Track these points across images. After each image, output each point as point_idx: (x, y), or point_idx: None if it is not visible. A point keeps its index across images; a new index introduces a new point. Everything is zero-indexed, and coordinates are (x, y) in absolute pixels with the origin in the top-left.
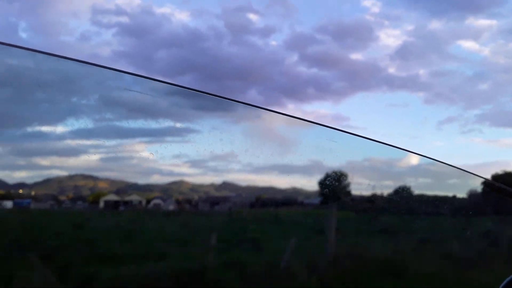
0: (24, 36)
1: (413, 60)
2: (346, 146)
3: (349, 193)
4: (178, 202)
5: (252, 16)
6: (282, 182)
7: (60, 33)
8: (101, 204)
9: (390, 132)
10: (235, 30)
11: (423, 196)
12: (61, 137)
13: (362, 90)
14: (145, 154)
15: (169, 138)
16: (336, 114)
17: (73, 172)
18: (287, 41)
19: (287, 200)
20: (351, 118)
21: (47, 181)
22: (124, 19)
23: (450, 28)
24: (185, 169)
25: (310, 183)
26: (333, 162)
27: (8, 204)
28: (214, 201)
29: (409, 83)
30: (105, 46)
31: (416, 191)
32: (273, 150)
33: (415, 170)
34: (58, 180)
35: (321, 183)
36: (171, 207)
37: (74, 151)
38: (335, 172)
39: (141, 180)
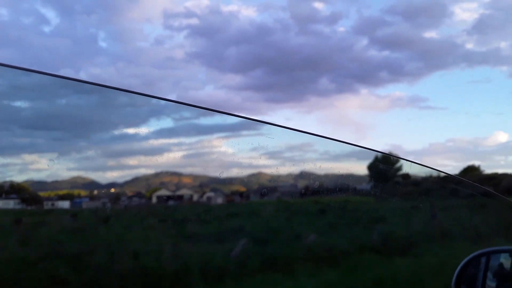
0: (103, 45)
1: (492, 33)
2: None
3: (399, 176)
4: (227, 194)
5: (318, 4)
6: (361, 168)
7: (136, 39)
8: (154, 199)
9: (473, 110)
10: (301, 20)
11: None
12: (146, 137)
13: (439, 69)
14: (224, 148)
15: (245, 132)
16: (412, 96)
17: (158, 170)
18: (355, 26)
19: (340, 187)
20: (430, 98)
21: (135, 180)
22: (194, 21)
23: None
24: (263, 161)
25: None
26: (415, 144)
27: (65, 204)
28: (264, 192)
29: (490, 58)
30: (178, 48)
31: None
32: (349, 136)
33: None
34: (146, 178)
35: (370, 167)
36: (219, 200)
37: (158, 150)
38: (384, 155)
39: (222, 174)
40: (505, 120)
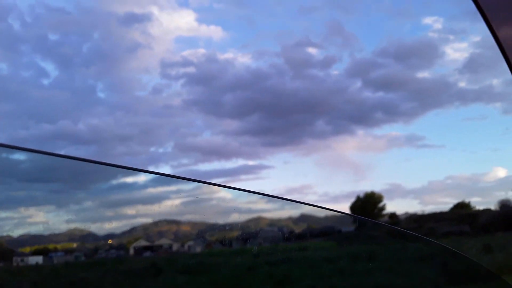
0: (102, 95)
1: (483, 71)
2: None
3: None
4: (208, 242)
5: (311, 50)
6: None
7: (134, 89)
8: (131, 251)
9: (470, 147)
10: (296, 65)
11: None
12: (144, 186)
13: (434, 108)
14: (223, 194)
15: (243, 176)
16: (409, 135)
17: (157, 219)
18: (348, 69)
19: (326, 230)
20: (426, 137)
21: (133, 230)
22: (191, 69)
23: None
24: (262, 205)
25: (390, 207)
26: (414, 183)
27: (39, 259)
28: (246, 238)
29: (483, 95)
30: (175, 96)
31: None
32: (347, 178)
33: None
34: (144, 227)
35: (352, 208)
36: (199, 249)
37: (157, 198)
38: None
39: (221, 220)
40: (502, 155)
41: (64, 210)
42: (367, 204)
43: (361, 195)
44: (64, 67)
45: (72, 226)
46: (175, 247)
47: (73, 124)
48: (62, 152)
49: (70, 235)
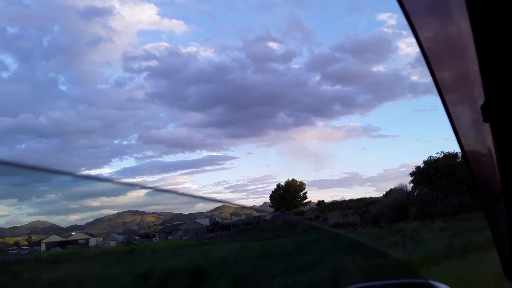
0: (64, 89)
1: (434, 65)
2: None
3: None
4: (126, 237)
5: (272, 44)
6: (324, 196)
7: (96, 82)
8: (43, 247)
9: (423, 137)
10: (257, 59)
11: None
12: (108, 178)
13: (388, 100)
14: (188, 184)
15: (208, 167)
16: (366, 126)
17: (121, 210)
18: (307, 63)
19: (248, 221)
20: (382, 127)
21: (97, 221)
22: (153, 63)
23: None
24: (227, 195)
25: (348, 195)
26: (371, 171)
27: None
28: (168, 231)
29: (433, 88)
30: (138, 89)
31: None
32: (309, 167)
33: None
34: (108, 219)
35: (272, 196)
36: (112, 243)
37: (121, 190)
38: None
39: (187, 210)
40: (452, 145)
41: (26, 203)
42: (287, 193)
43: (282, 183)
44: (24, 60)
45: (34, 218)
46: (92, 241)
47: (35, 118)
48: (23, 146)
49: (32, 228)
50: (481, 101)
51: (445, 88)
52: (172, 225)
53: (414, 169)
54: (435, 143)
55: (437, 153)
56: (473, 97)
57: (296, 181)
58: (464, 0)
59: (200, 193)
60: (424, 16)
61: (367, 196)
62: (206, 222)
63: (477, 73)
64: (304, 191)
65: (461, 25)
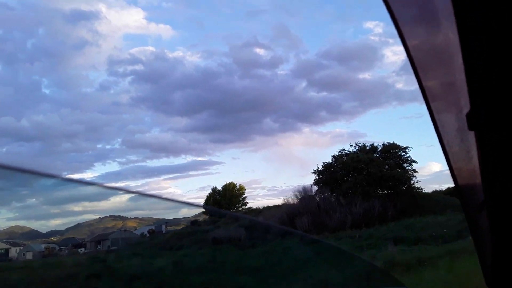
0: (47, 92)
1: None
2: None
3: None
4: (47, 248)
5: (259, 50)
6: None
7: (81, 85)
8: None
9: (408, 143)
10: (244, 65)
11: None
12: (92, 181)
13: (373, 107)
14: (172, 189)
15: (193, 172)
16: (352, 132)
17: (103, 215)
18: (294, 69)
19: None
20: (367, 134)
21: (77, 226)
22: (139, 67)
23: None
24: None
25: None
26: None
27: None
28: (99, 239)
29: (418, 96)
30: (123, 93)
31: None
32: (294, 172)
33: None
34: (88, 224)
35: (206, 201)
36: (29, 255)
37: (104, 194)
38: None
39: (170, 215)
40: (437, 151)
41: (6, 207)
42: (224, 198)
43: (218, 186)
44: (7, 63)
45: (13, 223)
46: (13, 252)
47: (16, 121)
48: (3, 149)
49: (11, 233)
50: (466, 109)
51: (431, 95)
52: (102, 234)
53: (321, 167)
54: (420, 150)
55: (351, 145)
56: (459, 105)
57: (235, 184)
58: (453, 9)
59: (184, 198)
60: (413, 25)
61: None
62: (145, 230)
63: (463, 82)
64: (243, 196)
65: (448, 34)
